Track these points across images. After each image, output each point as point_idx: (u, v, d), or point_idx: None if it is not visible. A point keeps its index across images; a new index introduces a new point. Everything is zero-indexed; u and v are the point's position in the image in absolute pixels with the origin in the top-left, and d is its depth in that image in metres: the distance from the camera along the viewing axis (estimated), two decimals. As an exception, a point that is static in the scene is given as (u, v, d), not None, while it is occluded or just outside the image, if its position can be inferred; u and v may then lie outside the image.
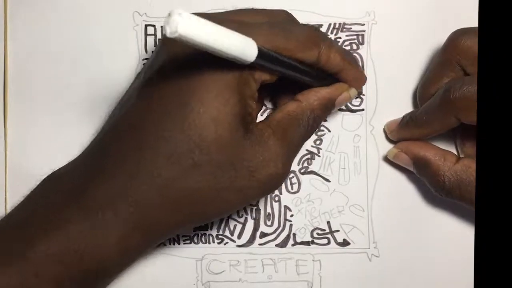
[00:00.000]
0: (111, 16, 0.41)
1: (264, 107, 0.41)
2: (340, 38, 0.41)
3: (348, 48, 0.41)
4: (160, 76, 0.33)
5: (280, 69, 0.33)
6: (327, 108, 0.37)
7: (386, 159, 0.41)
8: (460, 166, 0.37)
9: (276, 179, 0.34)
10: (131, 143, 0.32)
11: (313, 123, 0.36)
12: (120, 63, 0.41)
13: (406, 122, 0.39)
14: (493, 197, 0.29)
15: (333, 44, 0.36)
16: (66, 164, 0.36)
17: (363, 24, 0.41)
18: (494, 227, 0.29)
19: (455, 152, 0.40)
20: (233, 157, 0.32)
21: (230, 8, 0.41)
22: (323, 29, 0.41)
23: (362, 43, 0.41)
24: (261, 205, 0.41)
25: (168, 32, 0.23)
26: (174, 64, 0.33)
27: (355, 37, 0.41)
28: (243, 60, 0.28)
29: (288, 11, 0.40)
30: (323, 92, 0.37)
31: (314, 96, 0.36)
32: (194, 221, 0.34)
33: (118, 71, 0.41)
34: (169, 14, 0.23)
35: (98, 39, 0.41)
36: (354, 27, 0.41)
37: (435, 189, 0.38)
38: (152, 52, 0.41)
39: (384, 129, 0.41)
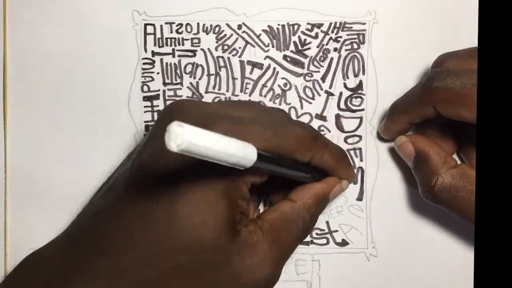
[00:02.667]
0: (111, 15, 0.41)
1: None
2: (340, 37, 0.41)
3: (349, 47, 0.41)
4: (149, 173, 0.31)
5: (275, 170, 0.32)
6: (322, 204, 0.36)
7: (385, 159, 0.41)
8: (457, 171, 0.36)
9: (264, 285, 0.32)
10: (112, 239, 0.31)
11: (309, 222, 0.35)
12: (120, 63, 0.41)
13: (389, 110, 0.39)
14: (493, 197, 0.29)
15: (326, 144, 0.35)
16: (46, 245, 0.35)
17: (364, 23, 0.41)
18: (494, 227, 0.29)
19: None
20: (218, 261, 0.31)
21: (229, 8, 0.41)
22: (324, 28, 0.41)
23: (363, 42, 0.41)
24: (261, 206, 0.41)
25: (174, 147, 0.22)
26: (163, 162, 0.31)
27: (356, 36, 0.41)
28: (242, 166, 0.27)
29: (289, 9, 0.40)
30: (316, 189, 0.35)
31: (308, 194, 0.35)
32: None
33: (118, 71, 0.41)
34: (170, 129, 0.22)
35: (98, 39, 0.41)
36: (355, 26, 0.41)
37: (424, 187, 0.37)
38: (145, 134, 0.41)
39: (377, 130, 0.41)
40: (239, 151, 0.26)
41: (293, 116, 0.41)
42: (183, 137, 0.22)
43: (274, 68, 0.41)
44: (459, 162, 0.37)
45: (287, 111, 0.41)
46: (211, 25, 0.41)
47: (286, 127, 0.33)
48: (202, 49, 0.41)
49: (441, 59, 0.37)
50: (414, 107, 0.37)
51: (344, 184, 0.38)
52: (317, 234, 0.41)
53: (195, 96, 0.41)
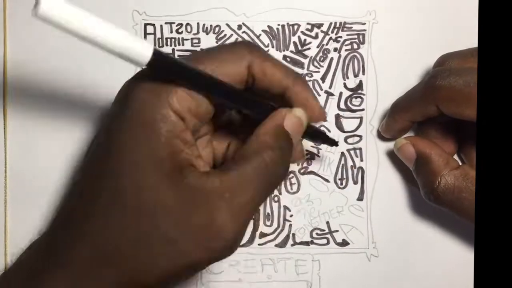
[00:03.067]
0: (111, 15, 0.41)
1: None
2: (340, 37, 0.41)
3: (349, 47, 0.41)
4: (105, 125, 0.31)
5: (200, 87, 0.29)
6: (283, 137, 0.32)
7: (386, 159, 0.41)
8: (460, 172, 0.36)
9: (222, 233, 0.29)
10: (75, 200, 0.31)
11: (276, 156, 0.30)
12: (120, 63, 0.41)
13: (391, 108, 0.39)
14: (493, 197, 0.29)
15: (268, 56, 0.32)
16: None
17: (364, 24, 0.41)
18: (494, 227, 0.29)
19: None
20: (155, 201, 0.28)
21: (228, 8, 0.41)
22: (324, 28, 0.41)
23: (363, 43, 0.41)
24: (261, 206, 0.41)
25: (33, 12, 0.23)
26: (112, 111, 0.31)
27: (355, 36, 0.41)
28: (134, 61, 0.26)
29: (289, 10, 0.41)
30: (269, 123, 0.31)
31: (260, 131, 0.31)
32: (130, 282, 0.29)
33: (118, 71, 0.41)
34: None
35: (98, 39, 0.41)
36: (355, 26, 0.41)
37: (427, 189, 0.37)
38: None
39: (378, 129, 0.41)
40: (122, 40, 0.25)
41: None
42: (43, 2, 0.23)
43: (274, 68, 0.41)
44: (460, 163, 0.37)
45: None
46: (211, 25, 0.41)
47: (217, 48, 0.32)
48: (202, 49, 0.41)
49: (442, 59, 0.37)
50: (416, 105, 0.37)
51: (297, 111, 0.33)
52: (317, 234, 0.41)
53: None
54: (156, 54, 0.27)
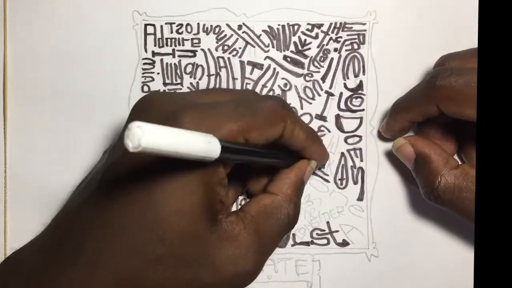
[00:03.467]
0: (111, 15, 0.41)
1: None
2: (341, 37, 0.41)
3: (349, 47, 0.41)
4: (124, 166, 0.31)
5: (246, 158, 0.32)
6: (300, 191, 0.37)
7: (386, 159, 0.41)
8: (460, 171, 0.36)
9: (245, 277, 0.32)
10: (90, 233, 0.31)
11: (293, 212, 0.35)
12: (120, 63, 0.41)
13: (391, 108, 0.39)
14: (493, 197, 0.29)
15: (297, 119, 0.35)
16: (26, 244, 0.34)
17: (364, 24, 0.41)
18: (494, 227, 0.29)
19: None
20: (198, 251, 0.30)
21: (229, 8, 0.41)
22: (324, 28, 0.41)
23: (363, 43, 0.41)
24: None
25: (131, 147, 0.23)
26: (137, 155, 0.31)
27: (356, 36, 0.41)
28: (207, 159, 0.27)
29: (289, 10, 0.41)
30: (293, 177, 0.36)
31: (286, 184, 0.36)
32: None
33: (118, 71, 0.41)
34: (129, 128, 0.23)
35: (98, 39, 0.41)
36: (355, 27, 0.41)
37: (427, 189, 0.37)
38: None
39: (378, 129, 0.41)
40: (200, 144, 0.26)
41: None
42: (141, 139, 0.22)
43: (274, 69, 0.41)
44: (460, 163, 0.37)
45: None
46: (211, 26, 0.41)
47: (257, 103, 0.33)
48: (202, 50, 0.41)
49: (443, 59, 0.37)
50: (417, 105, 0.37)
51: (313, 163, 0.38)
52: (317, 234, 0.41)
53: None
54: (222, 148, 0.28)
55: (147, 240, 0.30)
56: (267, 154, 0.34)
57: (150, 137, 0.23)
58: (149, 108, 0.32)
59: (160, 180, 0.30)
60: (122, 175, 0.31)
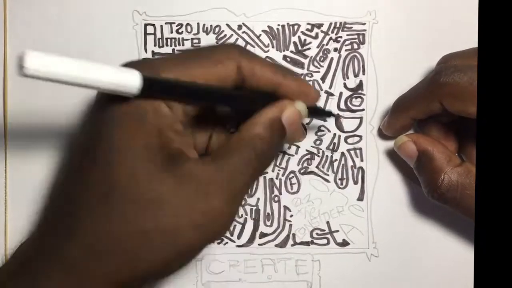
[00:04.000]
0: (111, 15, 0.41)
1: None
2: (340, 37, 0.41)
3: (349, 47, 0.41)
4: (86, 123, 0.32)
5: (191, 99, 0.30)
6: (276, 130, 0.33)
7: (386, 159, 0.41)
8: (463, 169, 0.36)
9: (212, 219, 0.30)
10: (61, 198, 0.31)
11: (262, 149, 0.32)
12: (120, 63, 0.41)
13: (393, 105, 0.39)
14: (493, 197, 0.29)
15: (257, 58, 0.33)
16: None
17: (364, 24, 0.41)
18: (494, 227, 0.29)
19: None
20: (151, 193, 0.29)
21: (229, 8, 0.41)
22: (324, 28, 0.41)
23: (363, 43, 0.41)
24: (261, 205, 0.41)
25: (21, 71, 0.23)
26: (93, 111, 0.32)
27: (356, 36, 0.41)
28: (124, 93, 0.27)
29: (289, 10, 0.40)
30: (262, 115, 0.32)
31: (255, 122, 0.32)
32: (131, 275, 0.29)
33: (118, 71, 0.41)
34: (21, 56, 0.23)
35: (98, 39, 0.41)
36: (355, 27, 0.41)
37: (430, 187, 0.37)
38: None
39: (379, 127, 0.41)
40: (111, 76, 0.26)
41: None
42: (26, 61, 0.23)
43: (274, 68, 0.41)
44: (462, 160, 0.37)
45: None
46: (211, 26, 0.41)
47: (204, 49, 0.32)
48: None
49: (445, 58, 0.37)
50: (420, 102, 0.37)
51: (299, 105, 0.34)
52: (317, 234, 0.41)
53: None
54: (145, 82, 0.28)
55: (98, 181, 0.29)
56: (219, 92, 0.32)
57: (37, 62, 0.24)
58: None
59: (106, 125, 0.30)
60: (83, 133, 0.32)
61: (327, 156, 0.41)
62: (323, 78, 0.41)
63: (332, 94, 0.41)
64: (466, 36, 0.40)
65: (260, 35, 0.41)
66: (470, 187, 0.35)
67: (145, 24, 0.41)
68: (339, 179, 0.41)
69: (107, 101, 0.30)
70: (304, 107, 0.34)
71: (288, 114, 0.33)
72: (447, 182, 0.36)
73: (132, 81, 0.27)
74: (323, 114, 0.39)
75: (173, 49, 0.41)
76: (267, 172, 0.41)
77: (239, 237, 0.41)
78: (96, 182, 0.29)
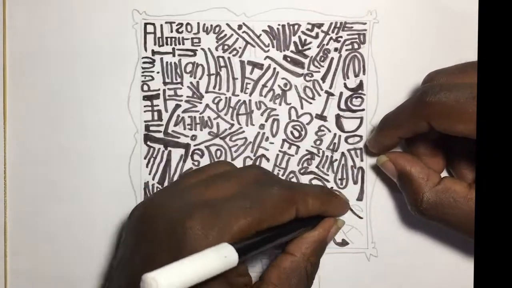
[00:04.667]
0: (110, 14, 0.41)
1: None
2: (341, 37, 0.41)
3: (349, 47, 0.41)
4: None
5: (265, 247, 0.33)
6: (321, 250, 0.37)
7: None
8: (441, 187, 0.36)
9: None
10: None
11: (311, 271, 0.36)
12: (120, 62, 0.41)
13: (380, 123, 0.39)
14: (493, 198, 0.29)
15: (307, 192, 0.36)
16: None
17: (365, 23, 0.41)
18: (494, 227, 0.29)
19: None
20: None
21: (229, 8, 0.41)
22: (324, 28, 0.41)
23: (364, 42, 0.41)
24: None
25: None
26: None
27: (356, 36, 0.41)
28: (230, 267, 0.28)
29: (290, 9, 0.40)
30: (313, 238, 0.36)
31: (306, 244, 0.36)
32: None
33: (118, 70, 0.41)
34: (143, 281, 0.24)
35: (98, 38, 0.41)
36: (356, 26, 0.41)
37: (411, 206, 0.37)
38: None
39: (365, 143, 0.41)
40: (217, 262, 0.27)
41: (294, 116, 0.41)
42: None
43: (274, 68, 0.41)
44: (441, 177, 0.37)
45: (286, 111, 0.41)
46: (211, 25, 0.41)
47: (264, 190, 0.34)
48: (202, 49, 0.41)
49: (430, 76, 0.37)
50: (407, 121, 0.37)
51: (339, 223, 0.38)
52: (317, 234, 0.41)
53: (195, 96, 0.41)
54: (239, 252, 0.29)
55: None
56: (287, 229, 0.35)
57: (166, 283, 0.24)
58: (154, 217, 0.33)
59: None
60: None
61: (327, 156, 0.41)
62: (324, 78, 0.41)
63: (332, 94, 0.41)
64: (466, 36, 0.40)
65: (260, 35, 0.41)
66: (449, 205, 0.36)
67: (145, 23, 0.41)
68: (339, 179, 0.41)
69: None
70: (343, 223, 0.39)
71: (332, 233, 0.38)
72: (426, 202, 0.36)
73: (231, 257, 0.29)
74: None
75: (173, 48, 0.41)
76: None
77: (238, 237, 0.41)
78: None
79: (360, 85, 0.41)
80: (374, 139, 0.40)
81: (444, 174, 0.40)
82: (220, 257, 0.28)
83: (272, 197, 0.33)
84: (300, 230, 0.36)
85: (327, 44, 0.41)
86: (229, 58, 0.41)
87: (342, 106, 0.41)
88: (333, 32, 0.41)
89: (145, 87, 0.41)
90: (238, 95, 0.41)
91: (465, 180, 0.38)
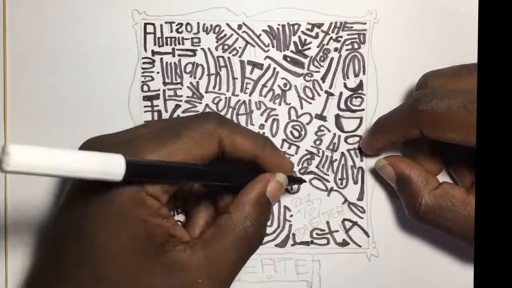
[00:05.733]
0: (110, 14, 0.41)
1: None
2: (341, 37, 0.41)
3: (349, 47, 0.41)
4: (67, 207, 0.32)
5: (172, 180, 0.31)
6: (263, 209, 0.34)
7: (386, 159, 0.41)
8: (440, 191, 0.36)
9: None
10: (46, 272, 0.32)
11: (253, 229, 0.33)
12: (120, 62, 0.41)
13: (373, 127, 0.39)
14: (492, 201, 0.29)
15: (238, 129, 0.34)
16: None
17: (365, 23, 0.41)
18: (494, 226, 0.29)
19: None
20: (143, 285, 0.30)
21: (229, 7, 0.41)
22: (324, 28, 0.41)
23: (364, 42, 0.41)
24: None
25: (3, 169, 0.23)
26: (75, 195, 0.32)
27: (356, 36, 0.41)
28: (109, 180, 0.27)
29: (290, 9, 0.40)
30: (250, 195, 0.34)
31: (243, 202, 0.33)
32: None
33: (118, 70, 0.41)
34: (2, 150, 0.23)
35: (97, 38, 0.41)
36: (356, 26, 0.41)
37: (408, 210, 0.37)
38: None
39: (359, 145, 0.41)
40: (93, 164, 0.26)
41: (293, 116, 0.41)
42: (9, 160, 0.23)
43: (274, 68, 0.41)
44: (440, 182, 0.37)
45: (286, 111, 0.41)
46: (211, 25, 0.41)
47: (185, 123, 0.33)
48: (202, 49, 0.41)
49: (425, 78, 0.37)
50: (399, 128, 0.37)
51: (279, 176, 0.36)
52: (317, 234, 0.41)
53: (195, 96, 0.41)
54: (128, 166, 0.27)
55: (85, 275, 0.30)
56: (209, 172, 0.33)
57: (19, 158, 0.23)
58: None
59: (92, 222, 0.30)
60: (67, 214, 0.32)
61: (327, 156, 0.41)
62: (323, 78, 0.41)
63: (332, 94, 0.41)
64: (466, 36, 0.40)
65: (260, 34, 0.41)
66: (447, 209, 0.36)
67: (144, 23, 0.41)
68: (339, 179, 0.41)
69: (85, 193, 0.30)
70: (284, 178, 0.36)
71: (272, 188, 0.35)
72: (425, 205, 0.36)
73: (116, 167, 0.27)
74: (296, 181, 0.40)
75: (173, 48, 0.41)
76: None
77: (239, 237, 0.41)
78: (84, 276, 0.30)
79: (360, 85, 0.41)
80: (367, 142, 0.40)
81: (442, 175, 0.40)
82: (102, 158, 0.26)
83: (189, 128, 0.32)
84: (231, 180, 0.34)
85: (327, 44, 0.41)
86: (229, 58, 0.41)
87: (342, 106, 0.41)
88: (333, 32, 0.41)
89: (145, 88, 0.41)
90: (238, 95, 0.41)
91: (464, 181, 0.39)
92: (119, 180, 0.27)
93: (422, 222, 0.37)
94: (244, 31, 0.41)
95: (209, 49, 0.41)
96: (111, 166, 0.27)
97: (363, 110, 0.41)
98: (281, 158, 0.37)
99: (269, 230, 0.41)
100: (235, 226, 0.32)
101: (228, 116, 0.41)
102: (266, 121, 0.41)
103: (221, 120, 0.34)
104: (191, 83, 0.41)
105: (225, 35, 0.41)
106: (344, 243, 0.41)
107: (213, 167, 0.33)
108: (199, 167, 0.32)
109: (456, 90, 0.34)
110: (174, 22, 0.41)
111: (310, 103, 0.41)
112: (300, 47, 0.41)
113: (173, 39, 0.41)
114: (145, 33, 0.41)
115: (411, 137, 0.37)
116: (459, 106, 0.33)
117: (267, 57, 0.41)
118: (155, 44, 0.41)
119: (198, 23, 0.41)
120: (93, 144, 0.33)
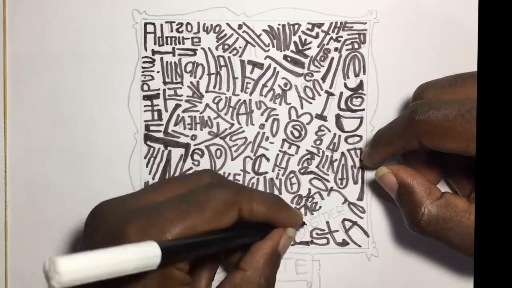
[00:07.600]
0: (111, 14, 0.41)
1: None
2: (341, 37, 0.41)
3: (349, 47, 0.41)
4: None
5: (198, 252, 0.32)
6: (275, 262, 0.36)
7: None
8: (443, 201, 0.36)
9: None
10: None
11: (267, 284, 0.35)
12: (120, 61, 0.41)
13: (372, 139, 0.39)
14: (492, 204, 0.29)
15: (253, 195, 0.35)
16: None
17: (365, 23, 0.41)
18: (494, 226, 0.29)
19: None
20: None
21: (229, 7, 0.41)
22: (325, 28, 0.41)
23: (364, 42, 0.41)
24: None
25: (54, 286, 0.23)
26: None
27: (356, 36, 0.41)
28: (149, 268, 0.27)
29: (290, 9, 0.40)
30: (264, 249, 0.36)
31: (256, 257, 0.35)
32: None
33: (118, 69, 0.41)
34: (46, 268, 0.23)
35: (98, 38, 0.41)
36: (356, 26, 0.41)
37: (410, 221, 0.37)
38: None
39: (360, 158, 0.41)
40: (135, 257, 0.26)
41: (294, 116, 0.41)
42: (61, 279, 0.23)
43: (275, 68, 0.41)
44: (442, 192, 0.37)
45: (286, 111, 0.41)
46: (211, 25, 0.41)
47: (204, 193, 0.33)
48: (202, 48, 0.41)
49: (420, 90, 0.37)
50: (398, 139, 0.37)
51: (290, 231, 0.38)
52: (317, 234, 0.41)
53: (195, 95, 0.41)
54: (164, 255, 0.28)
55: None
56: (231, 236, 0.34)
57: (68, 273, 0.23)
58: (98, 224, 0.32)
59: None
60: None
61: (327, 156, 0.41)
62: (324, 78, 0.41)
63: (332, 94, 0.41)
64: (466, 35, 0.40)
65: (261, 34, 0.41)
66: (451, 220, 0.35)
67: (145, 23, 0.41)
68: (339, 179, 0.41)
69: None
70: (294, 232, 0.38)
71: (283, 244, 0.37)
72: (427, 216, 0.35)
73: (153, 258, 0.27)
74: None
75: (173, 48, 0.41)
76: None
77: (239, 236, 0.41)
78: None
79: (360, 85, 0.41)
80: (367, 155, 0.40)
81: (440, 185, 0.40)
82: (139, 252, 0.27)
83: (211, 199, 0.33)
84: (247, 238, 0.35)
85: (327, 44, 0.41)
86: (229, 57, 0.41)
87: (342, 106, 0.41)
88: (333, 32, 0.41)
89: (145, 87, 0.41)
90: (238, 95, 0.41)
91: (463, 191, 0.39)
92: (155, 268, 0.28)
93: (423, 233, 0.36)
94: (244, 31, 0.41)
95: (209, 48, 0.41)
96: (148, 259, 0.27)
97: (363, 110, 0.41)
98: (293, 216, 0.38)
99: (269, 230, 0.41)
100: (250, 284, 0.34)
101: (228, 115, 0.41)
102: (266, 120, 0.41)
103: (239, 189, 0.35)
104: (191, 82, 0.41)
105: (226, 34, 0.41)
106: (344, 243, 0.41)
107: (232, 230, 0.34)
108: (223, 235, 0.33)
109: (452, 100, 0.34)
110: (174, 22, 0.41)
111: (311, 103, 0.41)
112: (300, 47, 0.41)
113: (173, 39, 0.41)
114: (145, 32, 0.41)
115: (411, 148, 0.36)
116: (456, 115, 0.33)
117: (268, 56, 0.41)
118: (155, 44, 0.41)
119: (198, 22, 0.41)
120: (105, 213, 0.33)
